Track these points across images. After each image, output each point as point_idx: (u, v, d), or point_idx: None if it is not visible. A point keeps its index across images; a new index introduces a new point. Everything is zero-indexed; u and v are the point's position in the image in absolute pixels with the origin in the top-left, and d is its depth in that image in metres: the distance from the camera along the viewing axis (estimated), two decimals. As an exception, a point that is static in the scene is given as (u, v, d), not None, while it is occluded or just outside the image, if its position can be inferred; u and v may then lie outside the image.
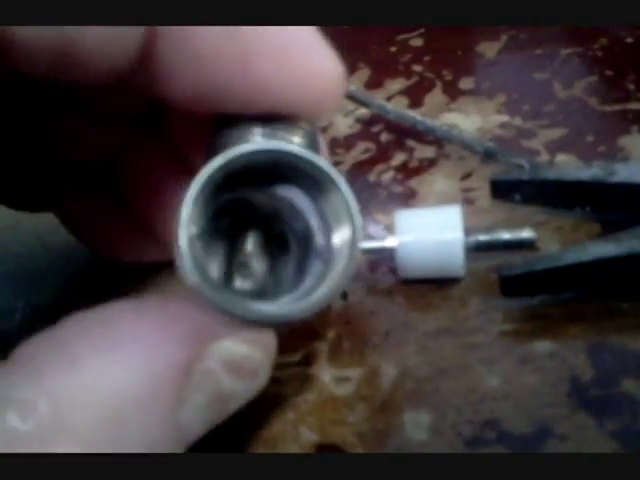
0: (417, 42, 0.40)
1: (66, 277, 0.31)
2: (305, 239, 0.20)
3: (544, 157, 0.31)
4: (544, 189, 0.26)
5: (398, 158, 0.33)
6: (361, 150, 0.34)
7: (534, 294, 0.24)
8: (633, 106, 0.32)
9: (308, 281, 0.19)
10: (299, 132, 0.19)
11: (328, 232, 0.19)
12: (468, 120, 0.34)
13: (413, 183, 0.31)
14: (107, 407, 0.16)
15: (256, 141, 0.19)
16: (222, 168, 0.17)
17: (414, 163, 0.32)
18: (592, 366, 0.22)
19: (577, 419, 0.21)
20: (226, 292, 0.17)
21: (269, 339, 0.20)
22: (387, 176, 0.32)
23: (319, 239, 0.19)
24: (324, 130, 0.35)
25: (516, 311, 0.25)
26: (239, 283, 0.21)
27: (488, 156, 0.30)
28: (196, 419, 0.18)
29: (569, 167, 0.29)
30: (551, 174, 0.27)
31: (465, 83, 0.36)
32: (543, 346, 0.23)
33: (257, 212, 0.20)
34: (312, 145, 0.20)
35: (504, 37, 0.38)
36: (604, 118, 0.32)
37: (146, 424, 0.16)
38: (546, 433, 0.21)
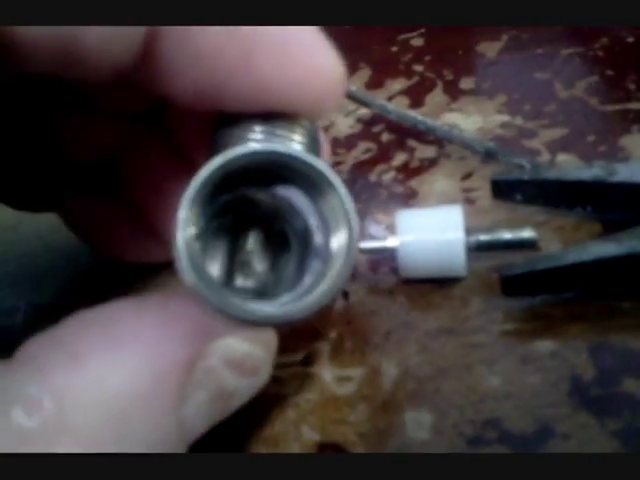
0: (418, 42, 0.40)
1: (68, 277, 0.31)
2: (304, 238, 0.20)
3: (545, 157, 0.31)
4: (545, 189, 0.26)
5: (399, 158, 0.33)
6: (362, 150, 0.34)
7: (535, 294, 0.24)
8: (634, 106, 0.32)
9: (307, 280, 0.19)
10: (300, 130, 0.20)
11: (327, 232, 0.19)
12: (469, 120, 0.34)
13: (414, 183, 0.31)
14: (110, 405, 0.16)
15: (256, 139, 0.19)
16: (220, 169, 0.18)
17: (415, 163, 0.32)
18: (593, 366, 0.22)
19: (578, 418, 0.21)
20: (224, 292, 0.17)
21: (270, 337, 0.20)
22: (388, 176, 0.32)
23: (318, 238, 0.19)
24: (325, 130, 0.35)
25: (517, 311, 0.25)
26: (240, 281, 0.21)
27: (489, 156, 0.30)
28: (198, 416, 0.18)
29: (570, 167, 0.29)
30: (552, 174, 0.27)
31: (466, 83, 0.36)
32: (544, 346, 0.23)
33: (258, 210, 0.20)
34: (313, 143, 0.20)
35: (505, 37, 0.38)
36: (605, 118, 0.32)
37: (149, 422, 0.16)
38: (547, 433, 0.21)
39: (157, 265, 0.28)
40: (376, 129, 0.35)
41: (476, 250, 0.25)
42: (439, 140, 0.33)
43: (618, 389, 0.22)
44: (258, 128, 0.19)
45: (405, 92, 0.37)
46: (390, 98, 0.37)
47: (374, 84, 0.38)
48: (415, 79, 0.38)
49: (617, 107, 0.32)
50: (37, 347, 0.17)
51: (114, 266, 0.29)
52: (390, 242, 0.26)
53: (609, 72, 0.34)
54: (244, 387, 0.19)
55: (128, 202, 0.27)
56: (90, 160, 0.27)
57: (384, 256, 0.27)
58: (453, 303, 0.26)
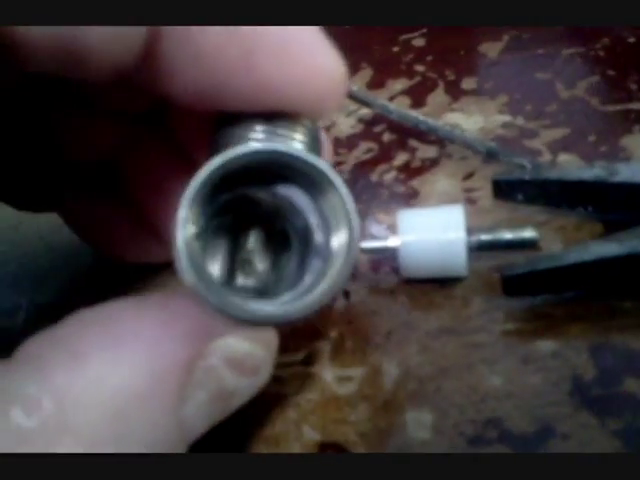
0: (419, 42, 0.40)
1: (69, 276, 0.31)
2: (305, 237, 0.20)
3: (546, 157, 0.31)
4: (546, 189, 0.26)
5: (400, 158, 0.33)
6: (363, 150, 0.34)
7: (536, 294, 0.24)
8: (635, 106, 0.32)
9: (308, 278, 0.19)
10: (301, 130, 0.20)
11: (327, 231, 0.19)
12: (470, 120, 0.34)
13: (415, 183, 0.31)
14: (110, 404, 0.16)
15: (257, 139, 0.19)
16: (220, 169, 0.18)
17: (416, 163, 0.32)
18: (594, 365, 0.22)
19: (579, 418, 0.21)
20: (223, 292, 0.17)
21: (271, 336, 0.20)
22: (389, 176, 0.32)
23: (318, 237, 0.19)
24: (327, 130, 0.35)
25: (518, 311, 0.25)
26: (241, 280, 0.21)
27: (490, 156, 0.30)
28: (199, 416, 0.18)
29: (571, 167, 0.29)
30: (553, 174, 0.27)
31: (467, 83, 0.36)
32: (545, 345, 0.23)
33: (259, 209, 0.20)
34: (314, 143, 0.20)
35: (506, 37, 0.39)
36: (606, 118, 0.32)
37: (148, 421, 0.16)
38: (548, 432, 0.21)
39: (157, 265, 0.28)
40: (377, 129, 0.35)
41: (477, 250, 0.25)
42: (440, 140, 0.33)
43: (619, 389, 0.22)
44: (259, 127, 0.19)
45: (406, 92, 0.37)
46: (391, 98, 0.37)
47: (375, 84, 0.38)
48: (416, 79, 0.38)
49: (618, 107, 0.32)
50: (37, 346, 0.17)
51: (115, 266, 0.29)
52: (391, 242, 0.26)
53: (610, 72, 0.34)
54: (244, 387, 0.19)
55: (129, 202, 0.27)
56: (91, 160, 0.27)
57: (385, 256, 0.27)
58: (454, 303, 0.26)
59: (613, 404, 0.21)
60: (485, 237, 0.25)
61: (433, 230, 0.25)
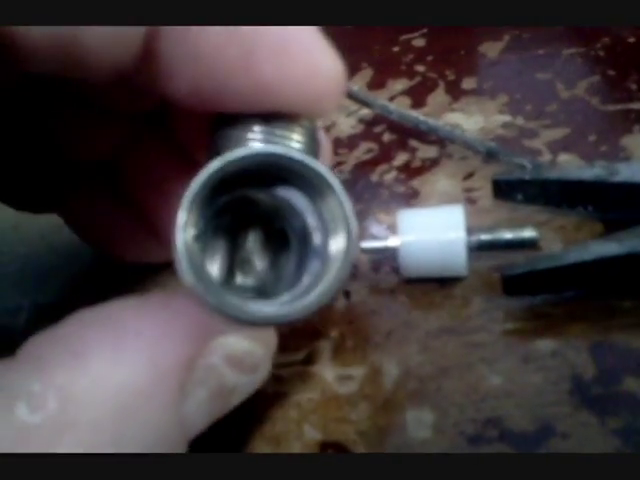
0: (420, 42, 0.40)
1: (71, 276, 0.32)
2: (304, 238, 0.20)
3: (546, 157, 0.31)
4: (546, 189, 0.26)
5: (401, 158, 0.33)
6: (364, 150, 0.34)
7: (536, 293, 0.25)
8: (635, 106, 0.32)
9: (306, 279, 0.19)
10: (299, 130, 0.20)
11: (325, 233, 0.19)
12: (470, 120, 0.34)
13: (415, 183, 0.31)
14: (113, 402, 0.16)
15: (256, 140, 0.19)
16: (219, 171, 0.18)
17: (416, 163, 0.33)
18: (594, 364, 0.23)
19: (579, 417, 0.21)
20: (223, 293, 0.18)
21: (269, 334, 0.20)
22: (390, 176, 0.32)
23: (317, 238, 0.19)
24: (327, 130, 0.36)
25: (518, 310, 0.25)
26: (241, 279, 0.21)
27: (490, 156, 0.31)
28: (199, 413, 0.18)
29: (571, 167, 0.29)
30: (553, 174, 0.27)
31: (467, 83, 0.36)
32: (545, 345, 0.23)
33: (258, 209, 0.20)
34: (312, 143, 0.20)
35: (506, 37, 0.39)
36: (606, 118, 0.32)
37: (151, 418, 0.17)
38: (548, 431, 0.21)
39: (157, 265, 0.28)
40: (378, 129, 0.35)
41: (477, 250, 0.25)
42: (441, 140, 0.33)
43: (619, 388, 0.22)
44: (257, 128, 0.19)
45: (407, 92, 0.37)
46: (392, 98, 0.37)
47: (376, 84, 0.38)
48: (417, 79, 0.38)
49: (618, 107, 0.32)
50: (37, 347, 0.17)
51: (115, 266, 0.30)
52: (391, 242, 0.26)
53: (610, 72, 0.34)
54: (244, 384, 0.19)
55: (129, 202, 0.27)
56: (91, 160, 0.27)
57: (385, 256, 0.27)
58: (454, 302, 0.26)
59: (613, 403, 0.21)
60: (485, 237, 0.25)
61: (433, 230, 0.25)
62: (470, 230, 0.25)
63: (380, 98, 0.35)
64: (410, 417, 0.23)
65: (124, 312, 0.18)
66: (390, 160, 0.33)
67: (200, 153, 0.23)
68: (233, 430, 0.23)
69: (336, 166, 0.33)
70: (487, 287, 0.26)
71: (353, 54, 0.40)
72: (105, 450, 0.16)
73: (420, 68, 0.38)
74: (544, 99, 0.34)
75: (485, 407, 0.22)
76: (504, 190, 0.27)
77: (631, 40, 0.36)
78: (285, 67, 0.19)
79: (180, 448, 0.18)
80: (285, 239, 0.21)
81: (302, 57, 0.19)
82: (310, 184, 0.19)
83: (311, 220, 0.19)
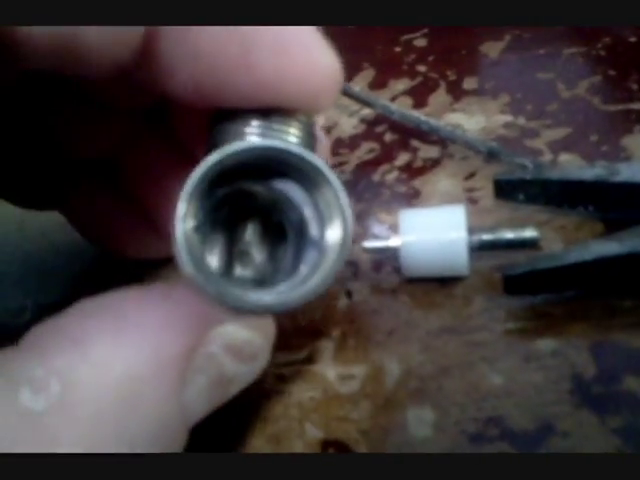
0: (421, 42, 0.40)
1: (73, 274, 0.32)
2: (301, 229, 0.20)
3: (547, 157, 0.31)
4: (547, 189, 0.27)
5: (402, 158, 0.33)
6: (365, 150, 0.34)
7: (537, 293, 0.25)
8: (636, 106, 0.32)
9: (303, 269, 0.20)
10: (296, 125, 0.20)
11: (322, 224, 0.20)
12: (472, 120, 0.34)
13: (417, 183, 0.32)
14: (115, 388, 0.16)
15: (254, 134, 0.19)
16: (218, 164, 0.18)
17: (418, 163, 0.33)
18: (595, 364, 0.23)
19: (580, 416, 0.21)
20: (222, 283, 0.18)
21: (268, 324, 0.20)
22: (391, 176, 0.32)
23: (314, 230, 0.20)
24: (328, 130, 0.36)
25: (519, 309, 0.25)
26: (239, 271, 0.21)
27: (491, 156, 0.31)
28: (199, 401, 0.18)
29: (572, 167, 0.29)
30: (554, 174, 0.27)
31: (469, 83, 0.36)
32: (546, 344, 0.24)
33: (256, 202, 0.21)
34: (309, 138, 0.20)
35: (507, 37, 0.39)
36: (607, 118, 0.32)
37: (153, 405, 0.17)
38: (549, 430, 0.21)
39: (159, 261, 0.28)
40: (379, 129, 0.35)
41: (478, 249, 0.26)
42: (442, 140, 0.33)
43: (619, 387, 0.22)
44: (255, 123, 0.20)
45: (408, 92, 0.37)
46: (393, 98, 0.37)
47: (377, 84, 0.38)
48: (418, 79, 0.38)
49: (619, 107, 0.32)
50: (39, 335, 0.17)
51: (118, 263, 0.30)
52: (393, 242, 0.26)
53: (611, 72, 0.34)
54: (243, 373, 0.20)
55: (129, 198, 0.28)
56: (91, 157, 0.27)
57: (387, 255, 0.27)
58: (455, 302, 0.26)
59: (613, 402, 0.22)
60: (486, 237, 0.26)
61: (434, 230, 0.26)
62: (471, 230, 0.25)
63: (382, 98, 0.35)
64: (411, 416, 0.23)
65: (125, 302, 0.18)
66: (392, 160, 0.33)
67: (199, 149, 0.23)
68: (235, 428, 0.23)
69: (338, 166, 0.33)
70: (488, 287, 0.26)
71: (355, 54, 0.40)
72: (107, 435, 0.16)
73: (421, 68, 0.38)
74: (545, 99, 0.34)
75: (486, 406, 0.22)
76: (505, 190, 0.27)
77: (632, 40, 0.36)
78: (284, 64, 0.19)
79: (180, 434, 0.18)
80: (282, 231, 0.21)
81: (300, 55, 0.19)
82: (307, 177, 0.19)
83: (308, 212, 0.20)
